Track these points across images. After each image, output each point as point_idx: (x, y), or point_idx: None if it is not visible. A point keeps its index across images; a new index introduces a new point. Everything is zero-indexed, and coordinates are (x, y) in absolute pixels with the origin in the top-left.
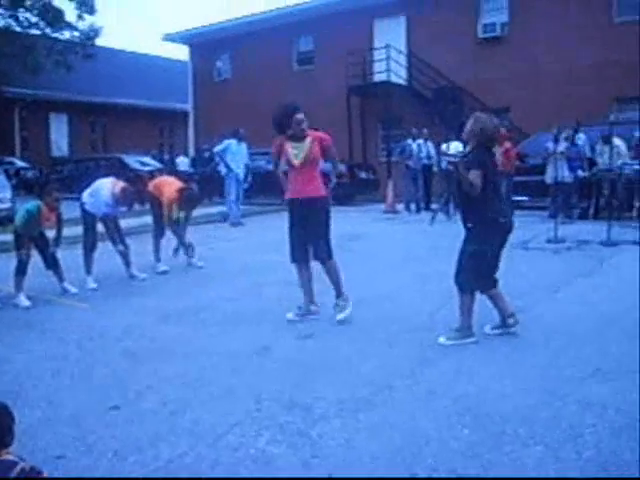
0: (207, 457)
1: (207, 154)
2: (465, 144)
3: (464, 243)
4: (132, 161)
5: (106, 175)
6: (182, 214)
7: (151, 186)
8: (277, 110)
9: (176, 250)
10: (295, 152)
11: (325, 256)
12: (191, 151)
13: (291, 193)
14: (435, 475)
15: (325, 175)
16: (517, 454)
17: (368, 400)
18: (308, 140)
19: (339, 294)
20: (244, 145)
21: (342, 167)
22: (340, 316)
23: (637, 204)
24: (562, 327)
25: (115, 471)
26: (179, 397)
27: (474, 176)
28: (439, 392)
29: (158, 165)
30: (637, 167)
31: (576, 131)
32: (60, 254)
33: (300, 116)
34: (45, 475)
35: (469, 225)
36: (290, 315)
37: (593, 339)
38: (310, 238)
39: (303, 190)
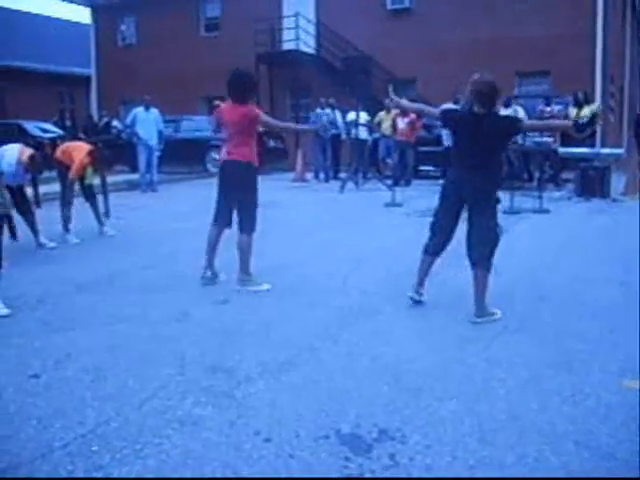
0: (134, 421)
1: (104, 121)
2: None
3: None
4: (32, 127)
5: (3, 142)
6: (97, 179)
7: (59, 152)
8: (245, 77)
9: (102, 219)
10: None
11: (248, 229)
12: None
13: (222, 156)
14: (358, 430)
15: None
16: (434, 408)
17: (290, 361)
18: (247, 109)
19: (245, 270)
20: (153, 111)
21: None
22: (254, 287)
23: (537, 174)
24: (471, 290)
25: (40, 438)
26: (100, 364)
27: None
28: (358, 352)
29: (60, 132)
30: (537, 139)
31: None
32: None
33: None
34: None
35: None
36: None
37: (501, 300)
38: (235, 205)
39: (230, 153)
